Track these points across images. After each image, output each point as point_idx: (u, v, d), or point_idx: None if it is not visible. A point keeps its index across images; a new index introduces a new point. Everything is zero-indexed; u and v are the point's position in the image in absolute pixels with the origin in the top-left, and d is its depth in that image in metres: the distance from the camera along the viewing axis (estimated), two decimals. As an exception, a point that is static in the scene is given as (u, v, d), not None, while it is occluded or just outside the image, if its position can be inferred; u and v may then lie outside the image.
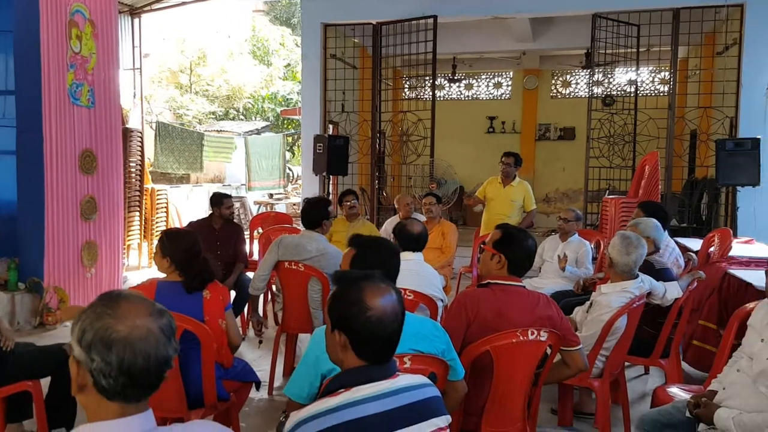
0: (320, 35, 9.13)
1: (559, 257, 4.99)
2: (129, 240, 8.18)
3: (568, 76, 13.63)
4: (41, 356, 3.27)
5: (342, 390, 1.56)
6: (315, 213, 4.27)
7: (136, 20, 9.15)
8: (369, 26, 8.98)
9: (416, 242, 3.58)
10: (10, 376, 3.05)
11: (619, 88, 10.21)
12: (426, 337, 2.26)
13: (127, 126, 8.23)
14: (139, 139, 8.39)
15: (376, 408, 1.52)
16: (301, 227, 4.59)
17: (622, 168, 8.32)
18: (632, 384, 4.51)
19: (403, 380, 1.62)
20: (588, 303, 3.56)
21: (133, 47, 9.16)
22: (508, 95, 14.03)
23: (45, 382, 3.20)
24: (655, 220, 3.96)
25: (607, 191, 8.12)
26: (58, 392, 3.21)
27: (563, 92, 13.72)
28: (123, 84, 7.91)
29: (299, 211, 4.66)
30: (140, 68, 9.29)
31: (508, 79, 14.02)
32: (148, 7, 9.16)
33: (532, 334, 2.55)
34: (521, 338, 2.53)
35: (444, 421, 1.65)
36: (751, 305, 2.89)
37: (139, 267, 8.41)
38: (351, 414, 1.49)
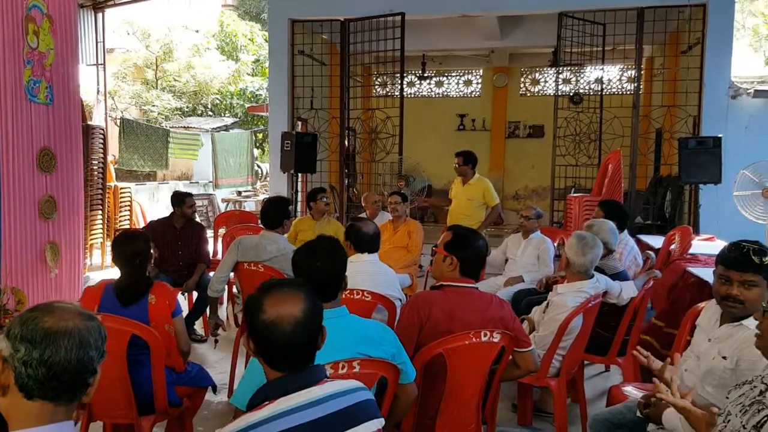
0: (288, 31, 9.05)
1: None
2: (92, 239, 8.03)
3: (536, 74, 13.72)
4: None
5: (267, 402, 1.52)
6: (274, 213, 4.22)
7: (99, 15, 8.97)
8: (337, 23, 8.92)
9: (370, 243, 3.55)
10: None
11: (586, 87, 10.30)
12: (375, 341, 2.24)
13: (89, 123, 8.07)
14: (102, 136, 8.23)
15: (304, 418, 1.49)
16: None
17: (587, 166, 8.40)
18: (593, 381, 4.56)
19: (331, 387, 1.60)
20: (545, 303, 3.58)
21: (96, 42, 8.99)
22: (478, 93, 14.08)
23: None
24: (610, 223, 3.99)
25: (573, 189, 8.18)
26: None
27: (532, 90, 13.81)
28: (86, 80, 7.78)
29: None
30: (104, 64, 9.12)
31: (478, 76, 14.07)
32: (111, 1, 8.99)
33: (485, 335, 2.55)
34: (474, 340, 2.53)
35: (377, 424, 1.63)
36: (702, 305, 2.93)
37: (102, 267, 8.26)
38: (278, 426, 1.46)
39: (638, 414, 2.52)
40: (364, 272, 3.30)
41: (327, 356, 2.08)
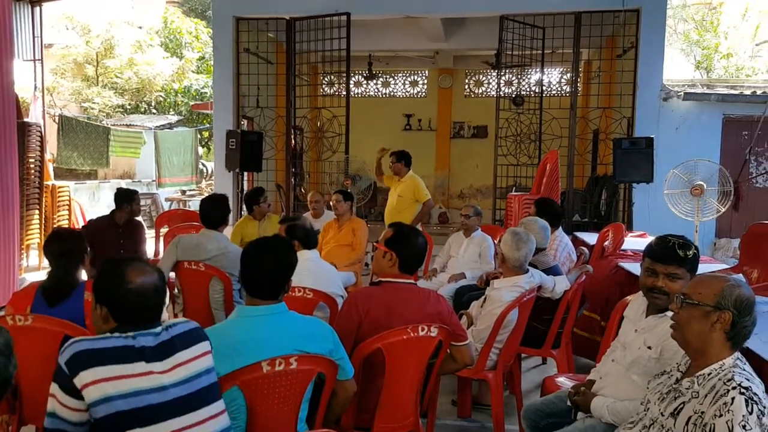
0: (233, 29, 8.96)
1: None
2: (28, 240, 7.79)
3: (480, 76, 13.97)
4: None
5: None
6: (215, 212, 4.21)
7: (37, 8, 8.68)
8: (283, 21, 8.89)
9: (312, 239, 3.60)
10: None
11: (527, 89, 10.54)
12: (313, 337, 2.28)
13: (25, 120, 7.82)
14: (39, 133, 7.99)
15: (146, 401, 1.80)
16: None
17: (528, 165, 8.60)
18: (531, 374, 4.70)
19: (176, 375, 1.87)
20: (483, 298, 3.69)
21: (33, 37, 8.69)
22: (424, 93, 14.24)
23: None
24: (542, 221, 4.13)
25: (514, 188, 8.38)
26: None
27: (476, 92, 14.05)
28: (23, 76, 7.52)
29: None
30: (41, 59, 8.82)
31: (423, 77, 14.23)
32: (48, -5, 8.72)
33: (423, 330, 2.61)
34: (412, 334, 2.59)
35: (216, 408, 1.95)
36: (629, 297, 3.06)
37: (39, 267, 8.01)
38: (117, 407, 1.75)
39: (568, 403, 2.64)
40: (306, 270, 3.33)
41: (264, 352, 2.12)
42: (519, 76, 9.49)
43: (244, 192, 8.70)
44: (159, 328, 1.91)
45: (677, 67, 13.38)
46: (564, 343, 4.05)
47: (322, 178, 9.81)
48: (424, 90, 14.23)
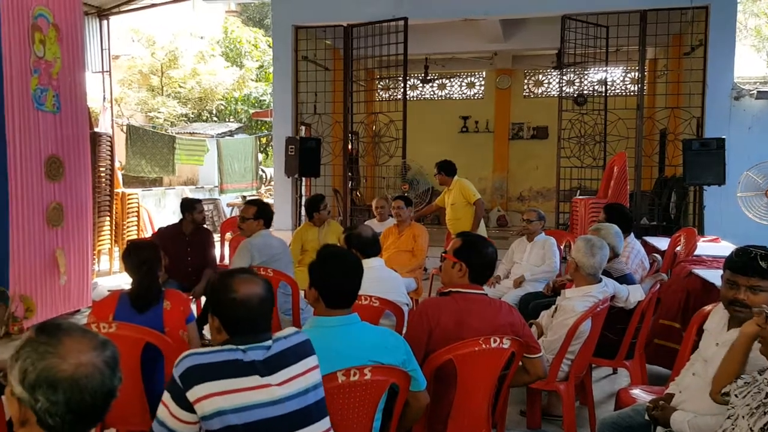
0: (291, 37, 9.09)
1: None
2: (100, 245, 8.07)
3: (540, 76, 13.71)
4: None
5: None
6: (270, 212, 4.38)
7: (105, 22, 9.00)
8: (340, 28, 8.96)
9: (373, 246, 3.59)
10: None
11: (590, 88, 10.30)
12: (386, 348, 2.27)
13: (96, 130, 8.11)
14: (109, 142, 8.27)
15: (260, 415, 1.81)
16: (272, 230, 4.67)
17: (592, 168, 8.40)
18: (601, 384, 4.57)
19: (289, 388, 1.86)
20: (553, 307, 3.60)
21: (102, 50, 9.01)
22: (481, 95, 14.08)
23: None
24: (615, 227, 4.01)
25: (578, 191, 8.19)
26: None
27: (536, 92, 13.80)
28: (92, 87, 7.81)
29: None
30: (109, 71, 9.14)
31: (480, 78, 14.07)
32: (116, 9, 9.02)
33: (495, 341, 2.56)
34: (483, 346, 2.55)
35: (325, 424, 1.95)
36: (708, 308, 2.93)
37: (110, 272, 8.30)
38: (229, 420, 1.76)
39: (646, 417, 2.54)
40: (372, 278, 3.30)
41: (338, 363, 2.13)
42: (581, 76, 9.29)
43: (303, 197, 8.81)
44: (269, 341, 1.91)
45: (748, 64, 12.83)
46: (638, 354, 3.91)
47: (378, 183, 9.84)
48: (481, 91, 14.08)
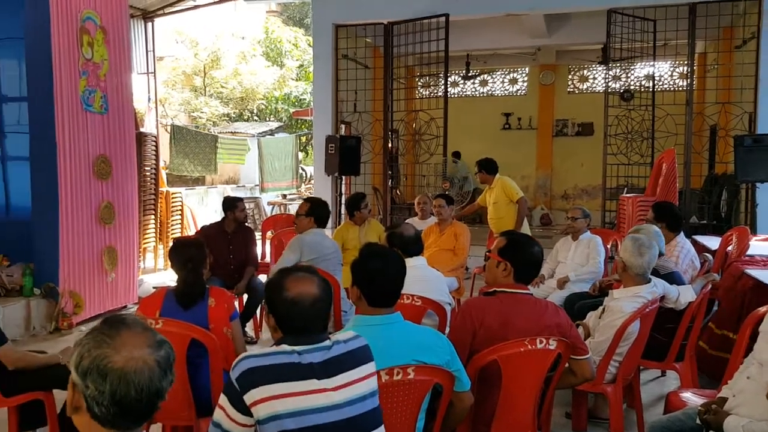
0: (332, 36, 9.11)
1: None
2: (145, 243, 8.23)
3: (585, 71, 13.46)
4: (57, 370, 3.26)
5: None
6: (325, 212, 4.34)
7: (149, 24, 9.18)
8: (380, 26, 8.95)
9: (416, 245, 3.56)
10: (25, 386, 3.09)
11: (637, 83, 10.07)
12: (429, 348, 2.25)
13: (141, 130, 8.28)
14: (154, 142, 8.43)
15: (317, 420, 1.77)
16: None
17: (640, 165, 8.21)
18: (649, 387, 4.45)
19: (347, 393, 1.82)
20: (600, 308, 3.51)
21: (147, 51, 9.19)
22: (524, 91, 13.91)
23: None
24: (654, 227, 3.90)
25: (625, 189, 8.02)
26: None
27: (580, 87, 13.56)
28: (137, 88, 7.97)
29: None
30: (154, 72, 9.32)
31: (523, 74, 13.89)
32: (161, 11, 9.19)
33: (541, 342, 2.51)
34: (529, 347, 2.50)
35: None
36: (762, 309, 2.82)
37: (155, 269, 8.46)
38: (285, 425, 1.73)
39: (698, 421, 2.46)
40: (414, 277, 3.27)
41: (382, 362, 2.09)
42: (627, 71, 9.08)
43: (342, 196, 8.83)
44: (328, 342, 1.88)
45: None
46: (688, 356, 3.79)
47: (418, 181, 9.80)
48: (524, 87, 13.90)
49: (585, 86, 13.50)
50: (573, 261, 5.20)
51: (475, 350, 2.55)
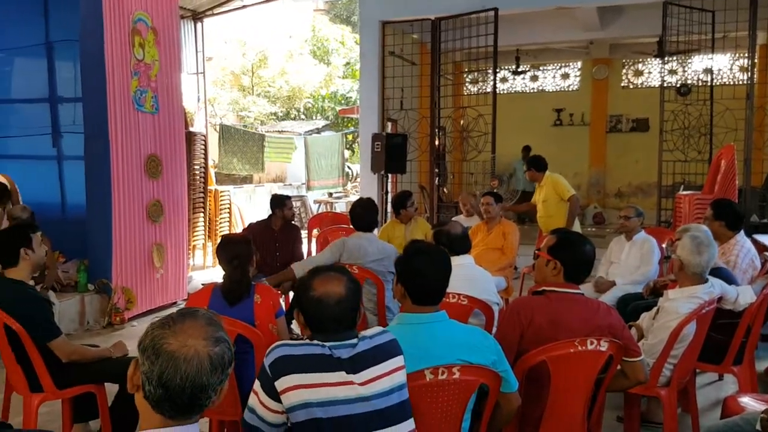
0: (378, 33, 9.10)
1: None
2: (194, 240, 8.39)
3: (640, 65, 13.08)
4: (109, 364, 3.33)
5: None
6: (368, 216, 4.25)
7: (199, 25, 9.35)
8: (428, 22, 8.88)
9: (463, 243, 3.50)
10: (77, 379, 3.18)
11: (694, 77, 9.73)
12: (475, 348, 2.20)
13: (191, 129, 8.43)
14: (203, 141, 8.58)
15: (345, 411, 1.82)
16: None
17: (697, 161, 7.95)
18: (705, 391, 4.30)
19: (376, 386, 1.85)
20: (655, 309, 3.39)
21: (197, 52, 9.36)
22: (576, 86, 13.61)
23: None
24: (704, 227, 3.73)
25: (682, 186, 7.76)
26: (124, 401, 3.30)
27: (635, 82, 13.18)
28: (187, 88, 8.12)
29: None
30: (203, 72, 9.49)
31: (575, 69, 13.60)
32: (210, 12, 9.34)
33: (591, 343, 2.43)
34: (579, 348, 2.42)
35: (409, 425, 1.93)
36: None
37: (204, 266, 8.62)
38: (314, 413, 1.78)
39: (758, 427, 2.34)
40: (461, 276, 3.22)
41: (426, 361, 2.09)
42: (684, 64, 8.78)
43: (389, 193, 8.80)
44: (355, 339, 1.91)
45: None
46: (747, 359, 3.63)
47: (466, 179, 9.69)
48: (576, 82, 13.60)
49: (640, 81, 13.12)
50: (626, 262, 5.04)
51: (523, 350, 2.49)
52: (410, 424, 1.91)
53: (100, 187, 5.67)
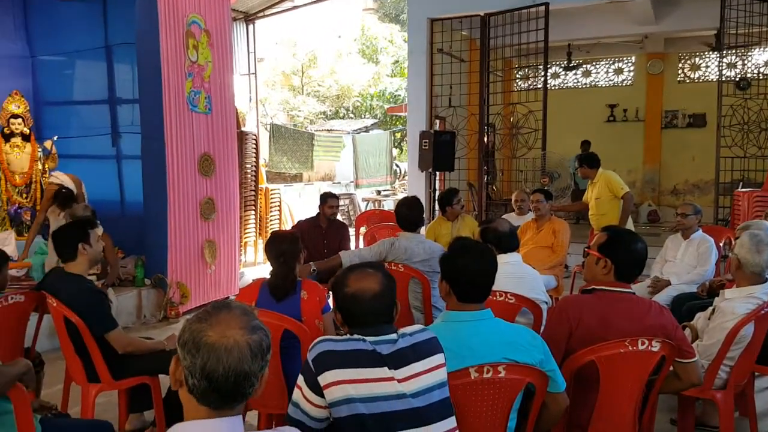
0: (427, 30, 9.08)
1: None
2: (245, 237, 8.55)
3: (697, 59, 12.65)
4: (163, 356, 3.42)
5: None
6: (413, 216, 4.24)
7: (251, 26, 9.52)
8: (477, 18, 8.81)
9: (510, 241, 3.46)
10: (132, 371, 3.29)
11: (755, 71, 9.37)
12: (521, 346, 2.17)
13: (243, 129, 8.59)
14: (254, 141, 8.74)
15: (384, 408, 1.81)
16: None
17: (757, 158, 7.64)
18: (765, 395, 4.14)
19: (414, 384, 1.84)
20: (710, 309, 3.28)
21: (248, 53, 9.54)
22: (630, 81, 13.26)
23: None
24: (766, 223, 3.58)
25: (741, 183, 7.48)
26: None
27: (692, 76, 12.75)
28: (239, 89, 8.29)
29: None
30: (255, 73, 9.66)
31: (629, 64, 13.25)
32: (261, 13, 9.51)
33: (643, 344, 2.37)
34: (630, 348, 2.36)
35: (449, 424, 1.91)
36: None
37: (255, 263, 8.77)
38: (357, 409, 1.78)
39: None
40: (508, 274, 3.20)
41: (471, 359, 2.08)
42: (744, 57, 8.46)
43: (437, 191, 8.77)
44: (395, 335, 1.91)
45: None
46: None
47: (515, 176, 9.58)
48: (630, 77, 13.25)
49: (696, 75, 12.69)
50: (682, 261, 4.89)
51: (571, 350, 2.45)
52: (451, 422, 1.89)
53: (156, 186, 5.84)
